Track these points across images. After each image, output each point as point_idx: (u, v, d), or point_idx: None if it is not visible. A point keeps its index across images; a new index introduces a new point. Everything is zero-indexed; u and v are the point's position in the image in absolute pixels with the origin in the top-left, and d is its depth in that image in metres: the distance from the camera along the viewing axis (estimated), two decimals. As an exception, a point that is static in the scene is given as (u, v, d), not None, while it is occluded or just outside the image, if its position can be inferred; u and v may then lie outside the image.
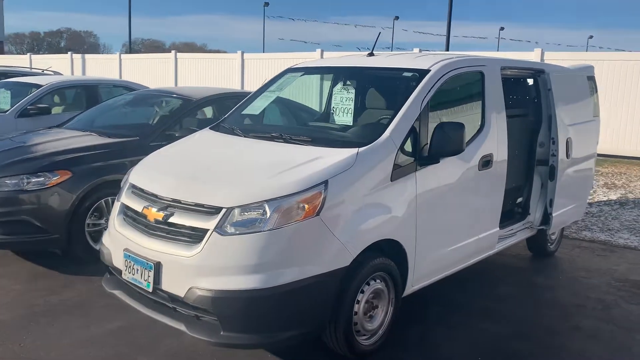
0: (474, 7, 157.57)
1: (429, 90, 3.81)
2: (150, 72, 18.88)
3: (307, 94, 7.23)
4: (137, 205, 3.40)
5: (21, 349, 3.45)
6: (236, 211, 3.00)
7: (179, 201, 3.20)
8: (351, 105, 4.22)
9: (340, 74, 4.52)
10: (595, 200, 8.54)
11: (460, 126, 3.64)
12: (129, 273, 3.32)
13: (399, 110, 3.65)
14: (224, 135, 4.08)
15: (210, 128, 4.33)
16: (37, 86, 7.80)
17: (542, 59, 11.57)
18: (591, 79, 6.16)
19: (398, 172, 3.51)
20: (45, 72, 11.19)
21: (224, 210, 3.01)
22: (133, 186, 3.58)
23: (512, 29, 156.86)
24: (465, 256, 4.30)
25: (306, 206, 3.03)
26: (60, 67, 20.94)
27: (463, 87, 4.39)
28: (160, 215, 3.21)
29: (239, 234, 2.95)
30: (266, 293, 2.91)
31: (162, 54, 19.75)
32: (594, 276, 5.25)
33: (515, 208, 5.44)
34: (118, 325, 3.76)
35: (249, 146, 3.80)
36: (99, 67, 20.22)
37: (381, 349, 3.58)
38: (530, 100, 5.49)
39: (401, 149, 3.54)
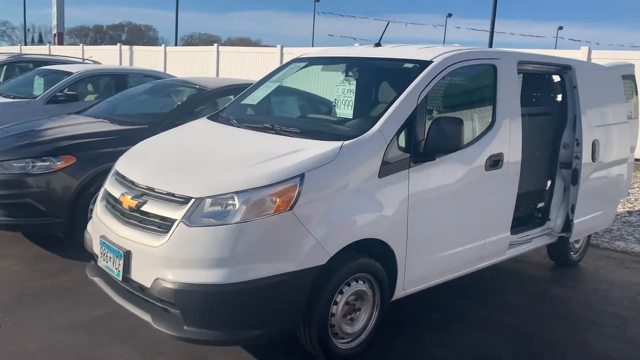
0: (533, 5, 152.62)
1: (429, 83, 3.58)
2: (193, 64, 19.16)
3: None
4: (117, 192, 3.35)
5: (1, 330, 3.46)
6: (205, 202, 2.89)
7: (152, 189, 3.12)
8: (352, 97, 4.04)
9: (342, 65, 4.34)
10: (637, 208, 8.00)
11: (457, 122, 3.41)
12: (104, 260, 3.27)
13: (392, 103, 3.45)
14: (218, 124, 3.98)
15: (207, 117, 4.25)
16: (68, 74, 7.96)
17: (588, 58, 10.97)
18: (629, 77, 5.74)
19: (387, 168, 3.31)
20: (85, 61, 11.46)
21: (192, 201, 2.91)
22: (116, 173, 3.54)
23: (572, 29, 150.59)
24: (468, 261, 4.05)
25: (278, 200, 2.88)
26: (111, 58, 21.56)
27: (471, 80, 4.14)
28: (134, 203, 3.14)
29: (205, 226, 2.84)
30: (230, 289, 2.79)
31: (204, 47, 19.99)
32: (617, 290, 4.87)
33: (534, 213, 5.13)
34: (101, 313, 3.73)
35: (236, 136, 3.69)
36: (146, 59, 20.68)
37: (365, 353, 3.40)
38: (556, 98, 5.16)
39: (392, 144, 3.34)
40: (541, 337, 3.83)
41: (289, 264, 2.90)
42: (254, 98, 4.44)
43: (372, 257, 3.33)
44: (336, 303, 3.18)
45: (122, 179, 3.41)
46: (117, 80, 8.36)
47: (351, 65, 4.25)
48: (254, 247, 2.84)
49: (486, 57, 4.07)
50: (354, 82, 4.09)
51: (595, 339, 3.86)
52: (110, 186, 3.50)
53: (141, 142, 3.93)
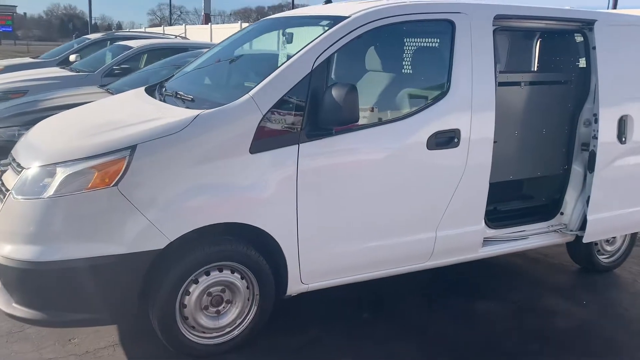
0: None
1: (334, 43, 3.00)
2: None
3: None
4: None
5: None
6: (31, 173, 2.71)
7: (14, 159, 3.03)
8: (285, 63, 3.56)
9: (282, 28, 3.85)
10: None
11: (349, 88, 2.81)
12: (-17, 229, 3.26)
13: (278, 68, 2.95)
14: (140, 95, 3.73)
15: (145, 88, 4.04)
16: (128, 48, 8.31)
17: None
18: None
19: (264, 142, 2.84)
20: (177, 37, 11.96)
21: (23, 172, 2.75)
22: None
23: None
24: (407, 257, 3.41)
25: (98, 173, 2.60)
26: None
27: (412, 40, 3.43)
28: None
29: (24, 198, 2.66)
30: (42, 267, 2.58)
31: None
32: (642, 308, 3.82)
33: (539, 204, 4.21)
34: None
35: (129, 105, 3.46)
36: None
37: (236, 352, 2.99)
38: (577, 63, 4.14)
39: (272, 114, 2.85)
40: None
41: (115, 246, 2.61)
42: (199, 65, 4.11)
43: (245, 245, 2.92)
44: (189, 293, 2.84)
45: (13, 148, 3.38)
46: (176, 53, 8.52)
47: (286, 27, 3.76)
48: (71, 224, 2.60)
49: (437, 12, 3.31)
50: (287, 46, 3.62)
51: (545, 369, 3.03)
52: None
53: (61, 113, 3.86)
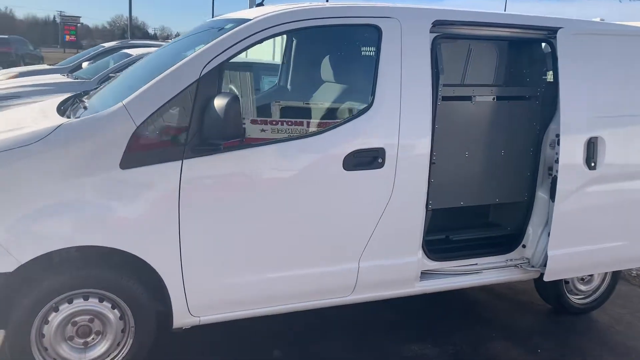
0: None
1: (227, 49, 2.68)
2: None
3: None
4: None
5: None
6: None
7: None
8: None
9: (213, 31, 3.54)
10: None
11: (230, 99, 2.49)
12: None
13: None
14: (49, 102, 3.51)
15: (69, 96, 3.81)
16: (128, 56, 8.25)
17: None
18: None
19: (138, 157, 2.54)
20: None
21: None
22: None
23: None
24: (324, 289, 3.03)
25: (-64, 188, 2.36)
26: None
27: (331, 47, 3.06)
28: None
29: None
30: None
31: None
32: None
33: (499, 234, 3.73)
34: None
35: (22, 114, 3.23)
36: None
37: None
38: (544, 77, 3.66)
39: (149, 126, 2.56)
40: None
41: (-44, 267, 2.38)
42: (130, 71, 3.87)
43: (116, 271, 2.62)
44: (48, 322, 2.56)
45: None
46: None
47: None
48: None
49: (360, 16, 2.93)
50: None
51: None
52: None
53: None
